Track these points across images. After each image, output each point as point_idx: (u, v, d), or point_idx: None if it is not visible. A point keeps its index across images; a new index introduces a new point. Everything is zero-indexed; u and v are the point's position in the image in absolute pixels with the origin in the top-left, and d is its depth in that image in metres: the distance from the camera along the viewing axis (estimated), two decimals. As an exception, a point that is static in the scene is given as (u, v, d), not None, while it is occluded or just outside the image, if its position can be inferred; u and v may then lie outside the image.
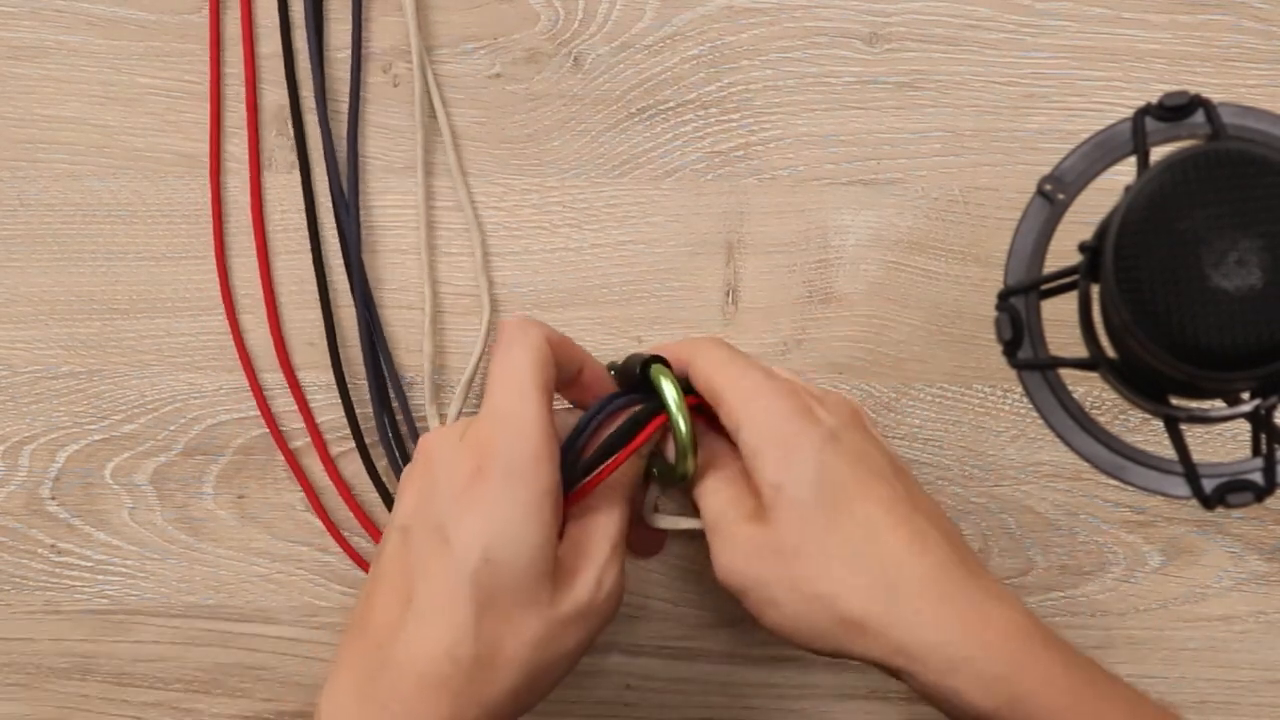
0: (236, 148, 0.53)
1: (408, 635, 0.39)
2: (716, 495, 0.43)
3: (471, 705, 0.39)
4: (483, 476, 0.39)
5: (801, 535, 0.40)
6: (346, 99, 0.53)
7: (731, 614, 0.52)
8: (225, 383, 0.52)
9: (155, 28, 0.53)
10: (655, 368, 0.44)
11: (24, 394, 0.52)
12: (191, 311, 0.52)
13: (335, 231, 0.52)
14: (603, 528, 0.42)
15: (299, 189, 0.52)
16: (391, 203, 0.53)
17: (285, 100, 0.53)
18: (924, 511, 0.42)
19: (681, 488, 0.45)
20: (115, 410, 0.52)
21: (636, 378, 0.45)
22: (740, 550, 0.41)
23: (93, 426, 0.52)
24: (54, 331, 0.53)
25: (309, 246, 0.52)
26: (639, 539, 0.49)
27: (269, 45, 0.53)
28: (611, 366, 0.48)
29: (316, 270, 0.52)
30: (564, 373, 0.44)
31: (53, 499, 0.52)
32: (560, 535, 0.42)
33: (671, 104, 0.53)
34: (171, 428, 0.52)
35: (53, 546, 0.52)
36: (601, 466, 0.43)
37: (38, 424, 0.52)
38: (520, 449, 0.40)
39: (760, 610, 0.41)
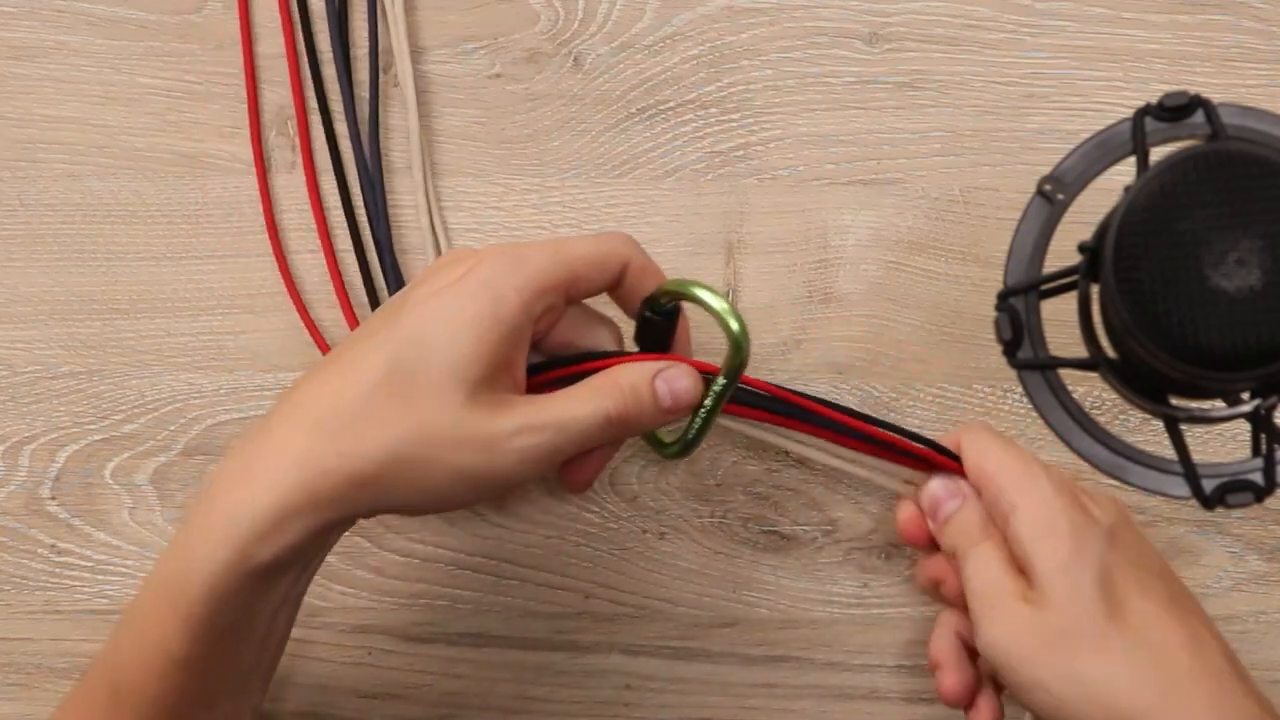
0: (237, 147, 0.53)
1: (318, 378, 0.40)
2: (990, 565, 0.43)
3: (333, 452, 0.38)
4: (463, 280, 0.40)
5: (1080, 624, 0.41)
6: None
7: (731, 614, 0.52)
8: (225, 383, 0.52)
9: (155, 28, 0.53)
10: (681, 281, 0.43)
11: (24, 394, 0.52)
12: (191, 311, 0.52)
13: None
14: (565, 404, 0.41)
15: (299, 189, 0.52)
16: (392, 202, 0.52)
17: (285, 100, 0.53)
18: (1198, 615, 0.43)
19: (677, 457, 0.45)
20: (115, 410, 0.52)
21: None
22: (1015, 627, 0.41)
23: (93, 426, 0.52)
24: (54, 331, 0.53)
25: (313, 246, 0.52)
26: (577, 465, 0.46)
27: (270, 45, 0.53)
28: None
29: (361, 268, 0.52)
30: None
31: (53, 499, 0.52)
32: (525, 388, 0.42)
33: (671, 104, 0.53)
34: (171, 428, 0.52)
35: (53, 546, 0.52)
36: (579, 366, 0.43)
37: (38, 424, 0.52)
38: (514, 279, 0.40)
39: (1024, 689, 0.41)
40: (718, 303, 0.42)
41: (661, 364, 0.42)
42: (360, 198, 0.52)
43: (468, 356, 0.39)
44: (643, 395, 0.42)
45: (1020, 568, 0.43)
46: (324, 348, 0.51)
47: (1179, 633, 0.41)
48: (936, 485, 0.45)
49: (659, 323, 0.44)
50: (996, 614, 0.42)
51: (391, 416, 0.38)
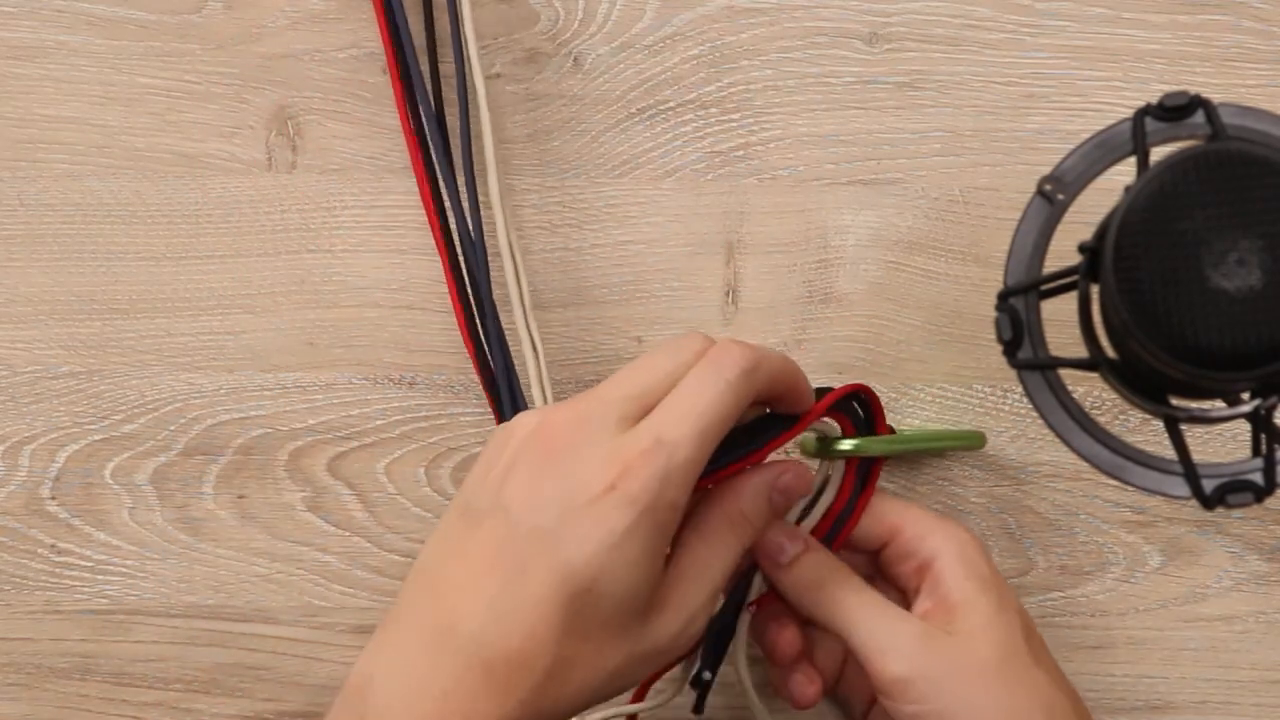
0: (237, 147, 0.53)
1: (484, 631, 0.38)
2: (875, 597, 0.44)
3: (529, 711, 0.38)
4: (614, 497, 0.37)
5: (1011, 663, 0.43)
6: (347, 99, 0.53)
7: (731, 614, 0.52)
8: (225, 383, 0.52)
9: (155, 28, 0.53)
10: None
11: (24, 394, 0.52)
12: (191, 311, 0.52)
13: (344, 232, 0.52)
14: (713, 567, 0.41)
15: (299, 189, 0.52)
16: (392, 202, 0.52)
17: (285, 100, 0.53)
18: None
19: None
20: (115, 410, 0.52)
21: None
22: (940, 657, 0.42)
23: (93, 426, 0.52)
24: (54, 331, 0.53)
25: (313, 246, 0.52)
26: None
27: (269, 45, 0.53)
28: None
29: (453, 274, 0.50)
30: (764, 395, 0.43)
31: (53, 499, 0.52)
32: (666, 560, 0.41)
33: (671, 104, 0.53)
34: (171, 428, 0.52)
35: (53, 546, 0.52)
36: (730, 461, 0.42)
37: (38, 424, 0.52)
38: (665, 492, 0.38)
39: (940, 715, 0.42)
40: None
41: (770, 476, 0.43)
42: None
43: (642, 593, 0.39)
44: (764, 513, 0.43)
45: (913, 604, 0.44)
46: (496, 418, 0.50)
47: (1067, 696, 0.44)
48: (774, 533, 0.45)
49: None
50: (913, 644, 0.42)
51: (581, 670, 0.38)
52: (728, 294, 0.52)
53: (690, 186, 0.53)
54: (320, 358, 0.52)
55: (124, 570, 0.52)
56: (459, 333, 0.49)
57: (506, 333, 0.49)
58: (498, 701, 0.38)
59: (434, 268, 0.52)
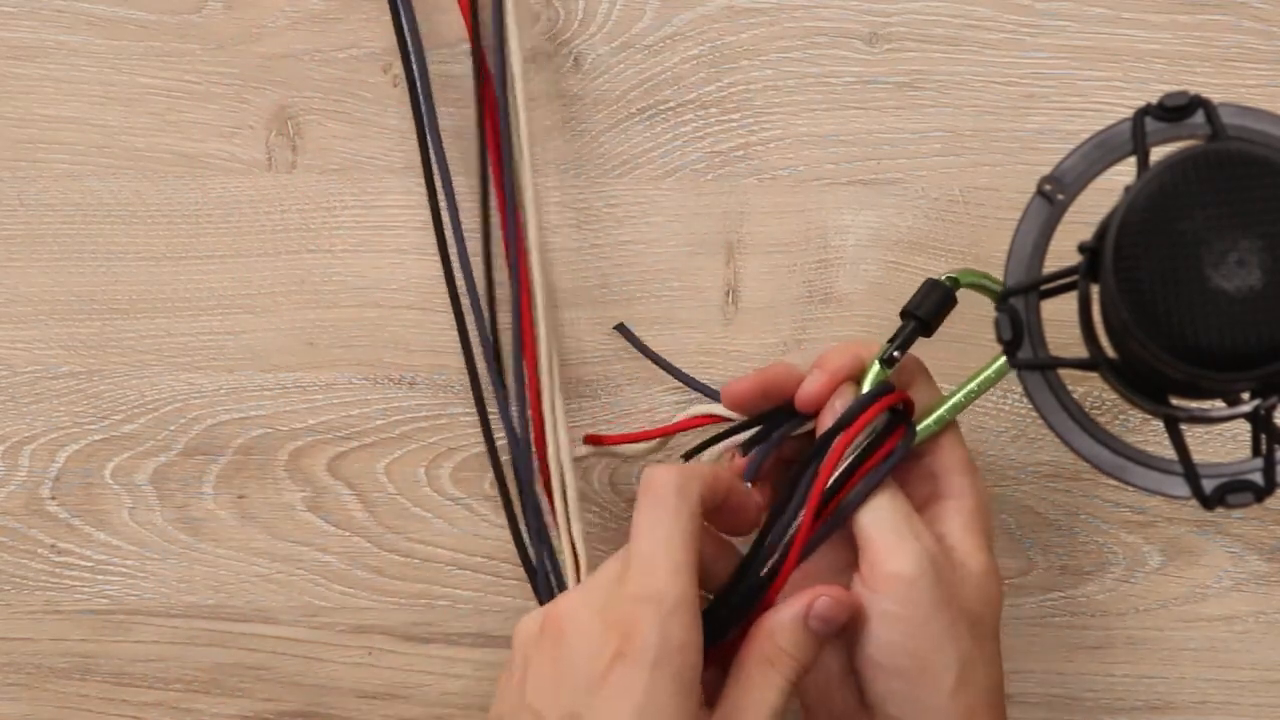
0: (237, 147, 0.53)
1: None
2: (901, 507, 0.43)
3: None
4: (625, 663, 0.38)
5: (985, 620, 0.43)
6: (347, 99, 0.53)
7: (731, 614, 0.52)
8: (225, 383, 0.52)
9: (155, 28, 0.53)
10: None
11: (24, 394, 0.52)
12: (191, 311, 0.52)
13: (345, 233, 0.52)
14: (753, 714, 0.40)
15: (299, 189, 0.52)
16: (392, 202, 0.52)
17: (285, 100, 0.53)
18: None
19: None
20: (115, 410, 0.52)
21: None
22: (935, 581, 0.42)
23: (93, 426, 0.52)
24: (54, 331, 0.53)
25: (312, 246, 0.52)
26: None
27: (269, 45, 0.53)
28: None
29: (446, 275, 0.51)
30: (710, 508, 0.42)
31: (53, 499, 0.52)
32: (710, 696, 0.41)
33: (671, 104, 0.53)
34: (171, 428, 0.52)
35: (53, 546, 0.52)
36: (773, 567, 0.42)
37: (38, 424, 0.52)
38: (669, 638, 0.38)
39: (913, 624, 0.42)
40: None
41: (803, 607, 0.41)
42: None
43: None
44: (805, 644, 0.41)
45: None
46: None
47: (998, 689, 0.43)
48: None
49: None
50: (925, 557, 0.42)
51: None
52: (728, 294, 0.52)
53: (690, 186, 0.53)
54: (320, 358, 0.52)
55: (124, 570, 0.52)
56: (456, 335, 0.49)
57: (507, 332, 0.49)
58: None
59: (435, 267, 0.52)
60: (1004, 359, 0.42)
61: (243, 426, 0.52)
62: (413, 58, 0.51)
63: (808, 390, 0.45)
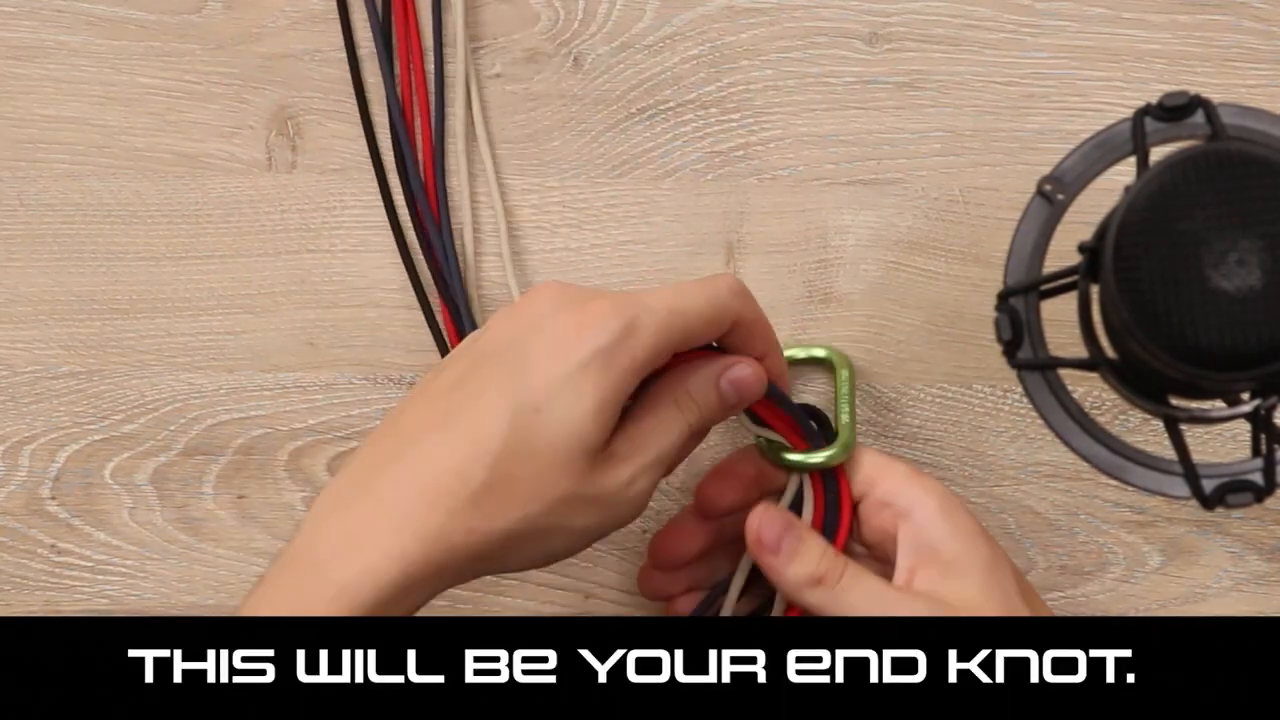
0: (237, 147, 0.53)
1: (429, 442, 0.39)
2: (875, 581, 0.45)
3: (461, 529, 0.39)
4: (582, 341, 0.39)
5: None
6: (347, 99, 0.53)
7: (731, 614, 0.52)
8: (225, 383, 0.52)
9: (155, 28, 0.53)
10: None
11: (24, 394, 0.52)
12: (191, 311, 0.52)
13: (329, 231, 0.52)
14: (659, 435, 0.42)
15: (298, 189, 0.52)
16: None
17: (285, 100, 0.53)
18: None
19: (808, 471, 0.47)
20: (115, 410, 0.52)
21: None
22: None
23: (93, 426, 0.52)
24: (54, 331, 0.53)
25: (312, 246, 0.52)
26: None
27: (269, 45, 0.53)
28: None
29: (410, 272, 0.52)
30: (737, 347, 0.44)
31: (53, 499, 0.52)
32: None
33: (671, 104, 0.53)
34: (171, 428, 0.52)
35: (53, 546, 0.52)
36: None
37: (38, 424, 0.52)
38: (632, 345, 0.40)
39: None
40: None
41: (722, 365, 0.44)
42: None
43: (590, 431, 0.39)
44: (711, 401, 0.43)
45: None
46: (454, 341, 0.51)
47: None
48: (768, 525, 0.45)
49: None
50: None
51: (518, 492, 0.39)
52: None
53: (690, 186, 0.53)
54: (320, 358, 0.52)
55: (124, 570, 0.52)
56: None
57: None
58: (429, 511, 0.38)
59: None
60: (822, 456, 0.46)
61: (243, 426, 0.52)
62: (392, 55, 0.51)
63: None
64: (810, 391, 0.52)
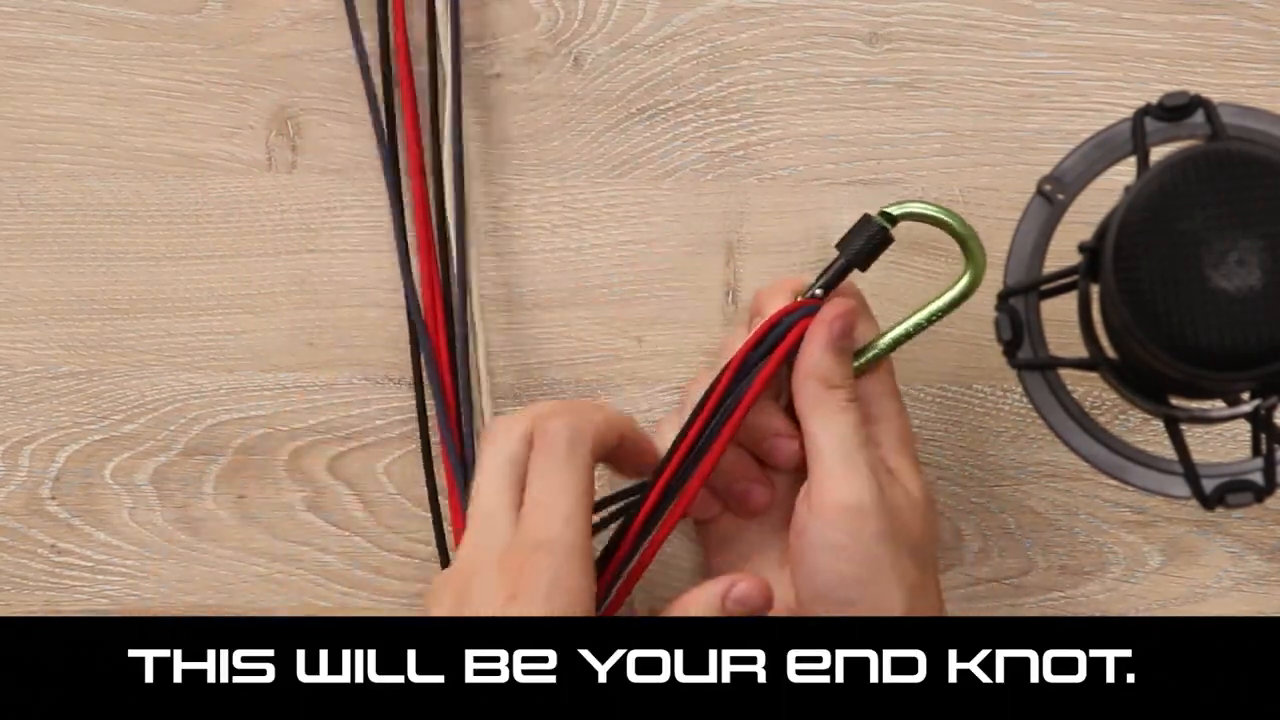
0: (237, 147, 0.53)
1: None
2: (853, 427, 0.44)
3: None
4: (517, 605, 0.39)
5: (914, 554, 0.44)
6: (347, 99, 0.53)
7: (731, 614, 0.52)
8: (225, 383, 0.52)
9: (155, 28, 0.53)
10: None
11: (24, 394, 0.52)
12: (191, 311, 0.52)
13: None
14: None
15: (298, 189, 0.52)
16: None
17: (285, 100, 0.53)
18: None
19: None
20: (115, 410, 0.52)
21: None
22: (870, 501, 0.43)
23: (93, 426, 0.52)
24: (54, 331, 0.53)
25: (312, 246, 0.52)
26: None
27: (269, 45, 0.53)
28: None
29: (402, 270, 0.52)
30: (602, 453, 0.44)
31: (53, 499, 0.52)
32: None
33: (671, 104, 0.53)
34: (171, 428, 0.52)
35: (53, 546, 0.52)
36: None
37: (38, 424, 0.52)
38: (559, 581, 0.40)
39: (832, 548, 0.43)
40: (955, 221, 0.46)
41: (722, 589, 0.43)
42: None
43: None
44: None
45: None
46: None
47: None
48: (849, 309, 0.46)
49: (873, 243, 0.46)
50: (873, 486, 0.43)
51: None
52: (728, 294, 0.52)
53: (690, 186, 0.53)
54: (320, 358, 0.52)
55: (124, 570, 0.52)
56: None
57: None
58: None
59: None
60: (951, 294, 0.45)
61: (243, 426, 0.52)
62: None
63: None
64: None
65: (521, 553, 0.41)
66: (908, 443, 0.46)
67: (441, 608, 0.41)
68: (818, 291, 0.46)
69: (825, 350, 0.44)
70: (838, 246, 0.47)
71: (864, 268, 0.47)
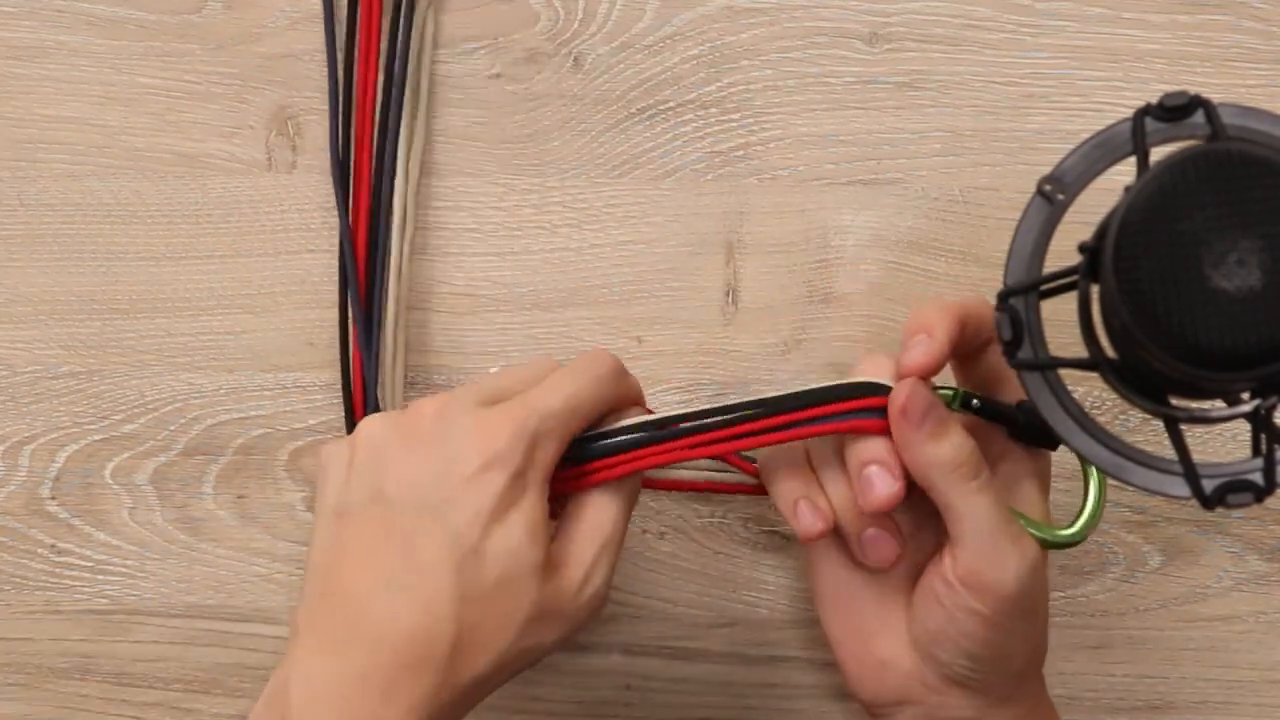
0: (237, 147, 0.53)
1: (385, 610, 0.39)
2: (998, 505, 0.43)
3: (446, 686, 0.39)
4: (492, 473, 0.40)
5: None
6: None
7: (731, 614, 0.52)
8: (225, 383, 0.52)
9: (155, 28, 0.53)
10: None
11: (24, 394, 0.52)
12: (191, 311, 0.52)
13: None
14: (595, 527, 0.42)
15: (298, 189, 0.52)
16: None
17: (285, 100, 0.53)
18: None
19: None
20: (115, 410, 0.52)
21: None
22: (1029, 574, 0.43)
23: (93, 426, 0.52)
24: (54, 331, 0.53)
25: (312, 246, 0.52)
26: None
27: (269, 45, 0.53)
28: None
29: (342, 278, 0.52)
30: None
31: (53, 499, 0.52)
32: (553, 525, 0.42)
33: (671, 104, 0.53)
34: (171, 428, 0.52)
35: (53, 546, 0.52)
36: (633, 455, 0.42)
37: (38, 424, 0.52)
38: (540, 453, 0.40)
39: (997, 628, 0.42)
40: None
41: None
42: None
43: (529, 554, 0.40)
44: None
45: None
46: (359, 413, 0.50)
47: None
48: (916, 393, 0.41)
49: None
50: (1028, 568, 0.42)
51: (485, 635, 0.39)
52: (728, 294, 0.52)
53: (690, 186, 0.53)
54: (320, 358, 0.52)
55: (124, 570, 0.52)
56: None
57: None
58: (412, 679, 0.38)
59: (434, 267, 0.52)
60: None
61: (243, 426, 0.52)
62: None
63: (914, 362, 0.42)
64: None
65: (510, 409, 0.41)
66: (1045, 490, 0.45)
67: (406, 446, 0.41)
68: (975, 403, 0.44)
69: (922, 443, 0.41)
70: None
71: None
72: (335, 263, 0.52)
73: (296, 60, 0.53)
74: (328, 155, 0.52)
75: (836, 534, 0.44)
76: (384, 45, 0.52)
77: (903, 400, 0.41)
